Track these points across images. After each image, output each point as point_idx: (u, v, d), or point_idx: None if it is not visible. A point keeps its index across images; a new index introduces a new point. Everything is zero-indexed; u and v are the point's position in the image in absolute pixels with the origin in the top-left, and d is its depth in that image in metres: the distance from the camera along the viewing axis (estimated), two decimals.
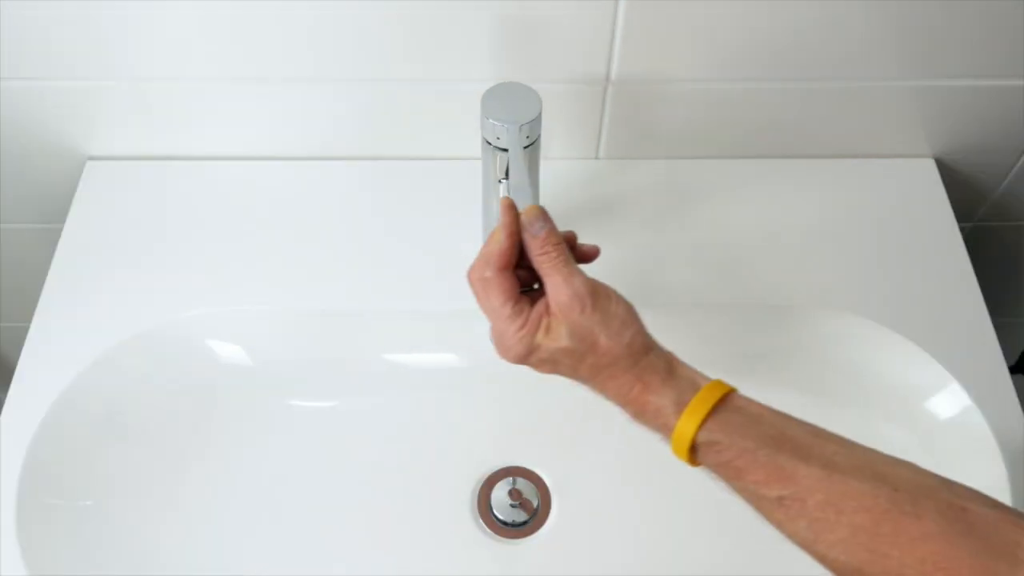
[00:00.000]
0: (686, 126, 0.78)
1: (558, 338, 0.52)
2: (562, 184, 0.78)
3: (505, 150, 0.61)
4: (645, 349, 0.52)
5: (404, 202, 0.79)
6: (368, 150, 0.80)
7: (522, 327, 0.53)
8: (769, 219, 0.78)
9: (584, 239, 0.76)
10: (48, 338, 0.71)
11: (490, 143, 0.62)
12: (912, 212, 0.78)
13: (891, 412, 0.71)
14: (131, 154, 0.80)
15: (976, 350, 0.71)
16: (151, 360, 0.72)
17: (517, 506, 0.70)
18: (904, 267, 0.75)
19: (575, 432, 0.74)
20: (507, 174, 0.63)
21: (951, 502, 0.43)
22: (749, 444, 0.47)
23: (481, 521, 0.70)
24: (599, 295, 0.52)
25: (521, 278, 0.56)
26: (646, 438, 0.74)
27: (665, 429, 0.51)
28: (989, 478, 0.65)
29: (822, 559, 0.46)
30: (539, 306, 0.53)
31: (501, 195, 0.63)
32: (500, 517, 0.70)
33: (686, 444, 0.49)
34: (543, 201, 0.70)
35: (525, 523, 0.70)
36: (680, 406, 0.50)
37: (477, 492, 0.71)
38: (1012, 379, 0.69)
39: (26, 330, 0.71)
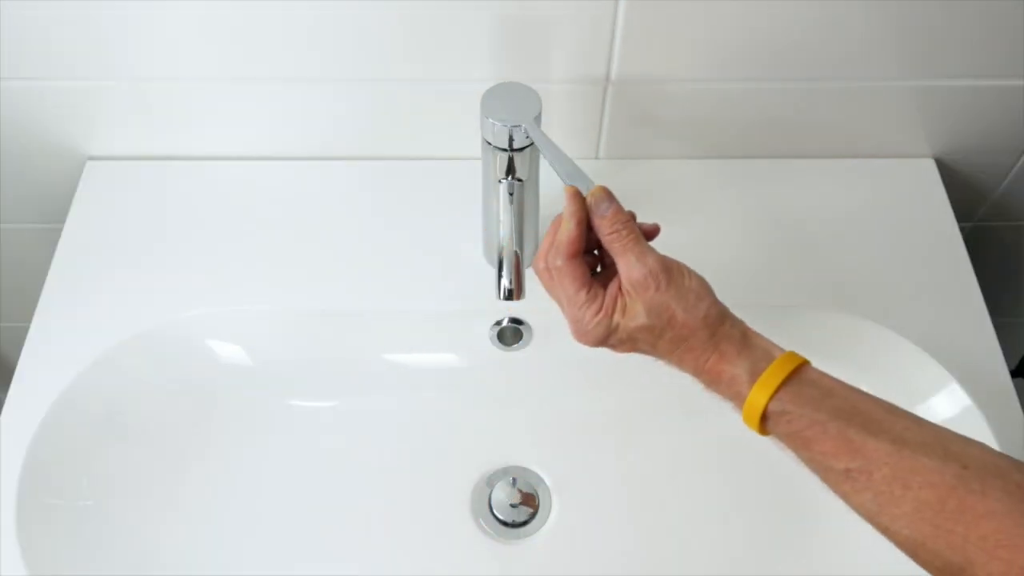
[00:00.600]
0: (686, 126, 0.78)
1: (635, 316, 0.53)
2: (562, 184, 0.78)
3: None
4: (720, 319, 0.53)
5: (404, 202, 0.79)
6: (368, 150, 0.80)
7: (599, 311, 0.54)
8: (769, 219, 0.78)
9: None
10: (48, 338, 0.71)
11: (490, 143, 0.62)
12: (912, 212, 0.78)
13: None
14: (131, 154, 0.80)
15: (976, 350, 0.71)
16: (151, 360, 0.72)
17: (517, 506, 0.70)
18: (904, 267, 0.75)
19: (575, 432, 0.74)
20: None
21: (1020, 483, 0.44)
22: (820, 416, 0.48)
23: (481, 521, 0.70)
24: (673, 271, 0.53)
25: (587, 263, 0.57)
26: (646, 438, 0.74)
27: (738, 398, 0.52)
28: None
29: (885, 531, 0.46)
30: (612, 288, 0.54)
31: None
32: (500, 517, 0.70)
33: (757, 413, 0.50)
34: (543, 201, 0.70)
35: (525, 523, 0.70)
36: (754, 375, 0.51)
37: (477, 492, 0.71)
38: (1012, 380, 0.69)
39: (26, 330, 0.71)
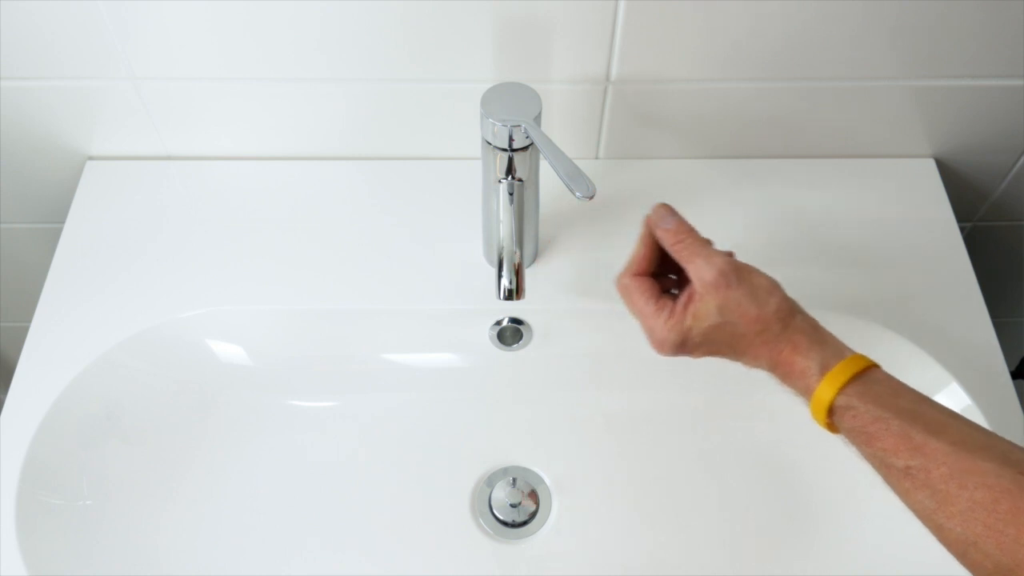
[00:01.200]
0: (686, 126, 0.78)
1: (708, 316, 0.55)
2: (563, 184, 0.78)
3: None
4: (792, 313, 0.55)
5: (404, 202, 0.79)
6: (368, 150, 0.80)
7: (670, 317, 0.56)
8: (769, 219, 0.78)
9: (585, 239, 0.76)
10: (48, 338, 0.71)
11: (490, 143, 0.62)
12: (912, 212, 0.78)
13: None
14: (131, 154, 0.80)
15: (976, 350, 0.71)
16: (151, 360, 0.72)
17: (517, 506, 0.70)
18: (904, 267, 0.75)
19: (575, 432, 0.74)
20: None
21: None
22: (884, 413, 0.50)
23: (481, 521, 0.70)
24: (741, 269, 0.56)
25: (663, 284, 0.60)
26: (646, 438, 0.74)
27: (807, 391, 0.53)
28: None
29: (938, 529, 0.48)
30: (682, 296, 0.57)
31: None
32: (500, 517, 0.70)
33: (824, 406, 0.52)
34: (543, 201, 0.70)
35: (525, 523, 0.70)
36: (824, 370, 0.53)
37: (477, 492, 0.71)
38: (1013, 381, 0.69)
39: (26, 330, 0.71)
